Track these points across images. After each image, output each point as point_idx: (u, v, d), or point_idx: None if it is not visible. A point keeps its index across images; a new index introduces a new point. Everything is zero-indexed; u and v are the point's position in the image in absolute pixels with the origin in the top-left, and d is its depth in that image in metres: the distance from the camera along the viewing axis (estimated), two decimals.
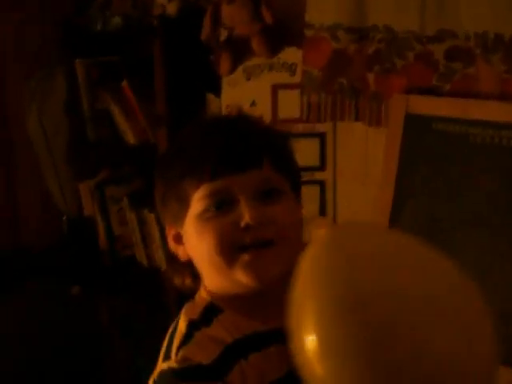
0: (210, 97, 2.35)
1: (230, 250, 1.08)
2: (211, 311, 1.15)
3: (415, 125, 1.90)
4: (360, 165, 2.15)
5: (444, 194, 1.85)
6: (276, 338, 1.10)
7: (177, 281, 1.23)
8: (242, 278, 1.08)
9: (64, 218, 2.85)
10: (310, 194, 2.25)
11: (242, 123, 1.19)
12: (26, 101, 2.80)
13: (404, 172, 1.92)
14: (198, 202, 1.09)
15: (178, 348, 1.10)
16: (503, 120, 1.72)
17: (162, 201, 1.18)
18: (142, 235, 2.72)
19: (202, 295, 1.17)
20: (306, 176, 2.24)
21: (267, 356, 1.13)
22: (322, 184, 2.24)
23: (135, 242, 2.77)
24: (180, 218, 1.13)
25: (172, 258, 1.21)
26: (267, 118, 2.22)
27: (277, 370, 1.12)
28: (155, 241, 2.66)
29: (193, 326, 1.13)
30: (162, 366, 1.12)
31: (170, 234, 1.18)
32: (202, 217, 1.09)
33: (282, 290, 0.98)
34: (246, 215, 1.06)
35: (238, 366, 1.10)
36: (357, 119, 2.08)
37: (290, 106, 2.19)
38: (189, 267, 1.18)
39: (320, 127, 2.19)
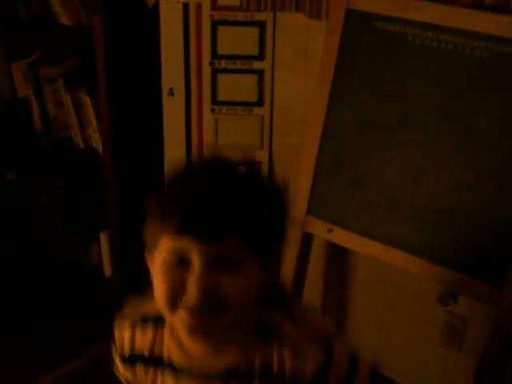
0: None
1: (173, 304, 1.16)
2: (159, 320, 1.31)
3: (355, 20, 1.87)
4: (300, 56, 2.13)
5: (380, 93, 1.85)
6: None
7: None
8: (178, 327, 1.21)
9: None
10: (247, 83, 2.24)
11: (222, 189, 1.15)
12: None
13: (342, 67, 1.90)
14: (161, 251, 1.16)
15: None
16: (444, 24, 1.71)
17: (145, 225, 1.22)
18: (77, 117, 2.68)
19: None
20: (244, 65, 2.22)
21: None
22: (260, 73, 2.22)
23: (71, 124, 2.73)
24: (150, 249, 1.21)
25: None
26: (205, 3, 2.17)
27: None
28: (91, 123, 2.63)
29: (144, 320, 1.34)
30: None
31: (146, 253, 1.25)
32: (162, 267, 1.16)
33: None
34: (192, 284, 1.12)
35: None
36: (297, 10, 2.05)
37: None
38: None
39: (260, 16, 2.15)
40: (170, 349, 1.30)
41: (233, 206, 1.13)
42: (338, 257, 2.25)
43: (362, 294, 2.27)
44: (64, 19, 2.45)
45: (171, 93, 2.28)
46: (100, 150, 2.61)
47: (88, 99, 2.59)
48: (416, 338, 2.20)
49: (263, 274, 1.19)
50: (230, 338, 1.25)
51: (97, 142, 2.64)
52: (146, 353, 1.33)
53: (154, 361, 1.32)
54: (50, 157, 2.81)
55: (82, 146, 2.72)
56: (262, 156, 2.29)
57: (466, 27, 1.70)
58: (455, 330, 2.10)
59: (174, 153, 2.35)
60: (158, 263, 1.17)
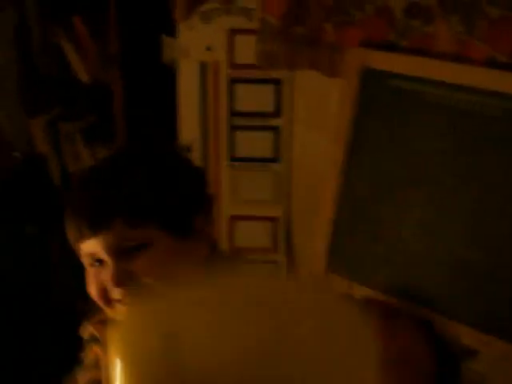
0: (166, 39, 2.31)
1: (108, 300, 1.17)
2: None
3: (371, 79, 1.90)
4: (316, 112, 2.16)
5: (394, 149, 1.87)
6: None
7: None
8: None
9: (16, 154, 2.81)
10: (264, 140, 2.27)
11: (103, 180, 1.19)
12: None
13: (357, 125, 1.93)
14: (82, 256, 1.19)
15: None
16: (457, 82, 1.73)
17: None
18: None
19: None
20: (260, 122, 2.25)
21: None
22: (276, 130, 2.25)
23: None
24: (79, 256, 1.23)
25: None
26: (222, 62, 2.21)
27: None
28: None
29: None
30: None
31: None
32: (89, 269, 1.18)
33: None
34: (109, 279, 1.14)
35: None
36: (313, 68, 2.08)
37: (247, 51, 2.17)
38: None
39: (276, 74, 2.18)
40: None
41: (116, 191, 1.16)
42: None
43: None
44: (83, 75, 2.50)
45: (189, 150, 2.30)
46: None
47: (105, 152, 2.62)
48: None
49: (183, 241, 1.19)
50: None
51: None
52: None
53: None
54: None
55: None
56: (277, 212, 2.30)
57: (480, 85, 1.72)
58: None
59: None
60: (85, 267, 1.20)
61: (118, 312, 1.17)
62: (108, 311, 1.21)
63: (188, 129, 2.30)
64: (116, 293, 1.15)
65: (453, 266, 1.78)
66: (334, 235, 1.99)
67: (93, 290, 1.18)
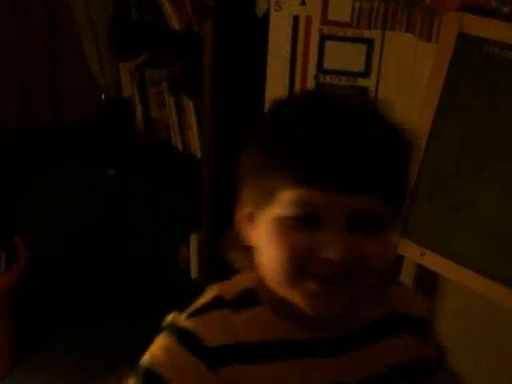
0: None
1: (298, 271, 0.93)
2: (247, 300, 1.05)
3: (466, 45, 1.85)
4: (406, 76, 2.12)
5: (486, 118, 1.82)
6: (321, 348, 1.06)
7: (230, 255, 1.11)
8: (300, 303, 0.96)
9: (103, 96, 2.86)
10: None
11: (364, 125, 0.94)
12: None
13: (448, 92, 1.88)
14: (285, 204, 0.92)
15: (192, 314, 1.05)
16: None
17: (244, 177, 1.02)
18: (178, 121, 2.74)
19: (247, 278, 1.07)
20: (348, 81, 2.23)
21: (300, 365, 1.04)
22: (363, 91, 2.22)
23: (172, 126, 2.79)
24: (260, 204, 0.97)
25: (234, 231, 1.06)
26: (316, 18, 2.18)
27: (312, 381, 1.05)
28: (192, 128, 2.68)
29: (217, 303, 1.05)
30: (175, 316, 1.07)
31: (243, 210, 1.03)
32: (285, 223, 0.93)
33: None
34: (329, 247, 0.91)
35: (238, 367, 1.00)
36: (407, 31, 2.04)
37: (341, 9, 2.14)
38: (248, 251, 1.03)
39: (368, 34, 2.15)
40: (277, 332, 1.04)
41: (381, 146, 0.92)
42: (428, 283, 2.22)
43: (450, 323, 2.24)
44: (175, 24, 2.51)
45: None
46: (197, 153, 2.66)
47: (191, 104, 2.64)
48: (504, 375, 2.15)
49: (394, 241, 1.00)
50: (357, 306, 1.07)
51: (195, 145, 2.68)
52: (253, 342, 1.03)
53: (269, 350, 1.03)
54: (149, 156, 2.87)
55: (180, 148, 2.77)
56: None
57: None
58: None
59: None
60: (273, 223, 0.94)
61: (305, 290, 0.94)
62: (286, 288, 0.97)
63: (275, 83, 2.29)
64: (324, 268, 0.92)
65: None
66: (413, 201, 1.97)
67: (285, 255, 0.93)
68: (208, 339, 1.00)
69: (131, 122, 2.84)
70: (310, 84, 2.24)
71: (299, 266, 0.93)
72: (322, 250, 0.91)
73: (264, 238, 0.97)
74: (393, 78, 2.16)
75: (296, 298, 0.96)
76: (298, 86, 2.26)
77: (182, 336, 1.01)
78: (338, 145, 0.90)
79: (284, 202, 0.92)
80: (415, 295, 1.23)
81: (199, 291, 2.82)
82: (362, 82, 2.21)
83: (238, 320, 1.03)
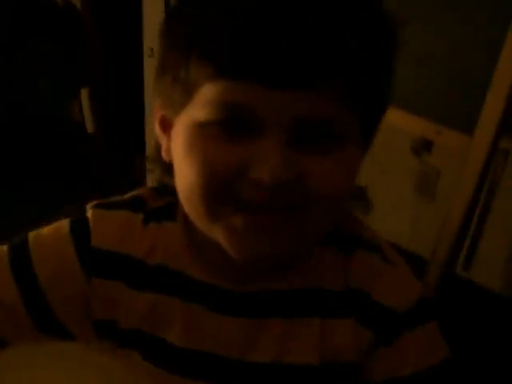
0: None
1: (218, 198, 0.69)
2: (167, 215, 0.84)
3: None
4: None
5: None
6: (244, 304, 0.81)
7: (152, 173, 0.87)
8: (222, 242, 0.72)
9: None
10: None
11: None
12: None
13: None
14: (206, 104, 0.67)
15: (102, 205, 0.85)
16: None
17: (159, 68, 0.74)
18: None
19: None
20: None
21: (206, 318, 0.81)
22: None
23: None
24: (176, 105, 0.72)
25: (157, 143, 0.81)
26: None
27: (215, 342, 0.82)
28: None
29: (136, 205, 0.85)
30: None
31: (158, 114, 0.78)
32: (204, 130, 0.68)
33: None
34: (260, 164, 0.65)
35: (118, 285, 0.82)
36: None
37: None
38: (169, 168, 0.77)
39: None
40: (186, 265, 0.82)
41: (331, 31, 0.64)
42: None
43: None
44: None
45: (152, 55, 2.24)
46: (78, 4, 2.58)
47: None
48: (390, 189, 2.26)
49: (359, 163, 0.74)
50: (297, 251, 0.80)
51: None
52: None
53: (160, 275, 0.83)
54: (30, 13, 2.76)
55: (59, 1, 2.68)
56: None
57: None
58: (428, 180, 2.16)
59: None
60: (189, 130, 0.69)
61: (229, 225, 0.70)
62: (205, 221, 0.72)
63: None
64: (256, 195, 0.67)
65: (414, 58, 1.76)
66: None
67: (203, 174, 0.68)
68: (98, 238, 0.82)
69: None
70: None
71: (220, 192, 0.68)
72: (254, 170, 0.66)
73: (181, 150, 0.71)
74: None
75: (218, 235, 0.72)
76: None
77: (76, 224, 0.84)
78: (275, 18, 0.62)
79: (209, 101, 0.67)
80: (406, 283, 0.84)
81: (95, 144, 2.83)
82: None
83: (145, 233, 0.83)
